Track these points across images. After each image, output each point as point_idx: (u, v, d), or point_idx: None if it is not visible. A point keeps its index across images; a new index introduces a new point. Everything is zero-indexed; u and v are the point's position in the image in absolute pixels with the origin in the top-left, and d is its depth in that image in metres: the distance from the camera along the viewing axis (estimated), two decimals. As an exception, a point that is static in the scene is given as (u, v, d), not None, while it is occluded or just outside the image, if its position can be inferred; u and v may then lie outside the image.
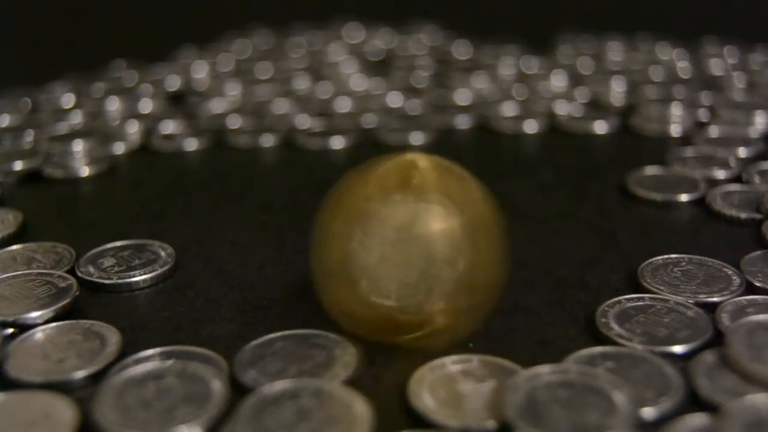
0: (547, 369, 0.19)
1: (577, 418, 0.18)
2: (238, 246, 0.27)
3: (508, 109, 0.40)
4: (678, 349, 0.20)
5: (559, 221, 0.29)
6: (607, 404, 0.18)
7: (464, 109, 0.40)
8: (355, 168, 0.21)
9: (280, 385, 0.19)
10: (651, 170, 0.32)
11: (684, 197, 0.30)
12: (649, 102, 0.40)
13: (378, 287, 0.19)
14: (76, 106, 0.41)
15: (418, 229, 0.19)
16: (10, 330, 0.22)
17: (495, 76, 0.45)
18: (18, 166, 0.34)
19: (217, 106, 0.41)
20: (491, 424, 0.18)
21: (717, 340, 0.21)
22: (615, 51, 0.49)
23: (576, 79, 0.44)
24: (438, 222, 0.19)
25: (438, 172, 0.20)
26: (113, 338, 0.21)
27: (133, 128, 0.38)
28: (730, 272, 0.24)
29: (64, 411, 0.19)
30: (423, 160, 0.20)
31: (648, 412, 0.18)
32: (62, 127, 0.38)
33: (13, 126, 0.39)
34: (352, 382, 0.20)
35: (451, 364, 0.20)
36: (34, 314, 0.22)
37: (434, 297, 0.19)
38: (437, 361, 0.20)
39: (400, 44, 0.53)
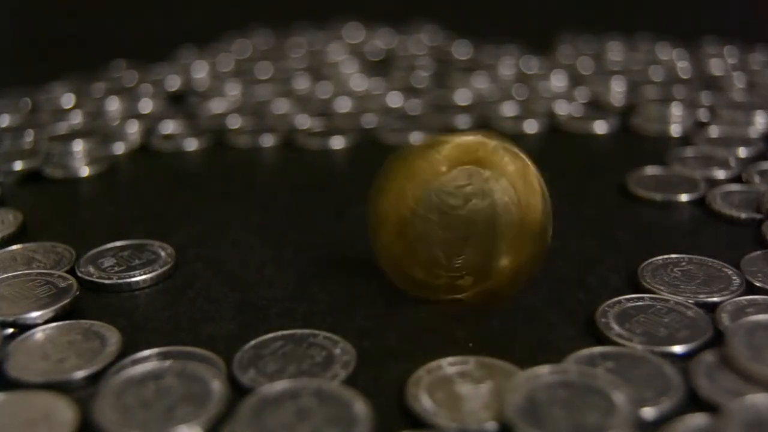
0: (546, 369, 0.19)
1: (577, 418, 0.18)
2: (238, 246, 0.27)
3: (508, 109, 0.40)
4: (678, 349, 0.20)
5: (559, 221, 0.29)
6: (607, 404, 0.18)
7: (464, 109, 0.40)
8: (422, 141, 0.23)
9: (279, 385, 0.19)
10: (651, 170, 0.32)
11: (684, 197, 0.30)
12: (649, 102, 0.40)
13: (427, 244, 0.22)
14: (76, 106, 0.41)
15: (472, 196, 0.21)
16: (10, 330, 0.22)
17: (495, 76, 0.45)
18: (18, 166, 0.34)
19: (217, 106, 0.41)
20: (491, 425, 0.18)
21: (717, 340, 0.21)
22: (615, 51, 0.49)
23: (576, 79, 0.44)
24: (493, 193, 0.22)
25: (498, 150, 0.22)
26: (113, 338, 0.21)
27: (133, 128, 0.38)
28: (730, 272, 0.24)
29: (64, 411, 0.19)
30: (485, 139, 0.22)
31: (648, 412, 0.18)
32: (62, 127, 0.38)
33: (13, 126, 0.39)
34: (352, 382, 0.20)
35: (448, 366, 0.20)
36: (34, 314, 0.22)
37: (479, 256, 0.22)
38: (434, 363, 0.20)
39: (400, 44, 0.53)
